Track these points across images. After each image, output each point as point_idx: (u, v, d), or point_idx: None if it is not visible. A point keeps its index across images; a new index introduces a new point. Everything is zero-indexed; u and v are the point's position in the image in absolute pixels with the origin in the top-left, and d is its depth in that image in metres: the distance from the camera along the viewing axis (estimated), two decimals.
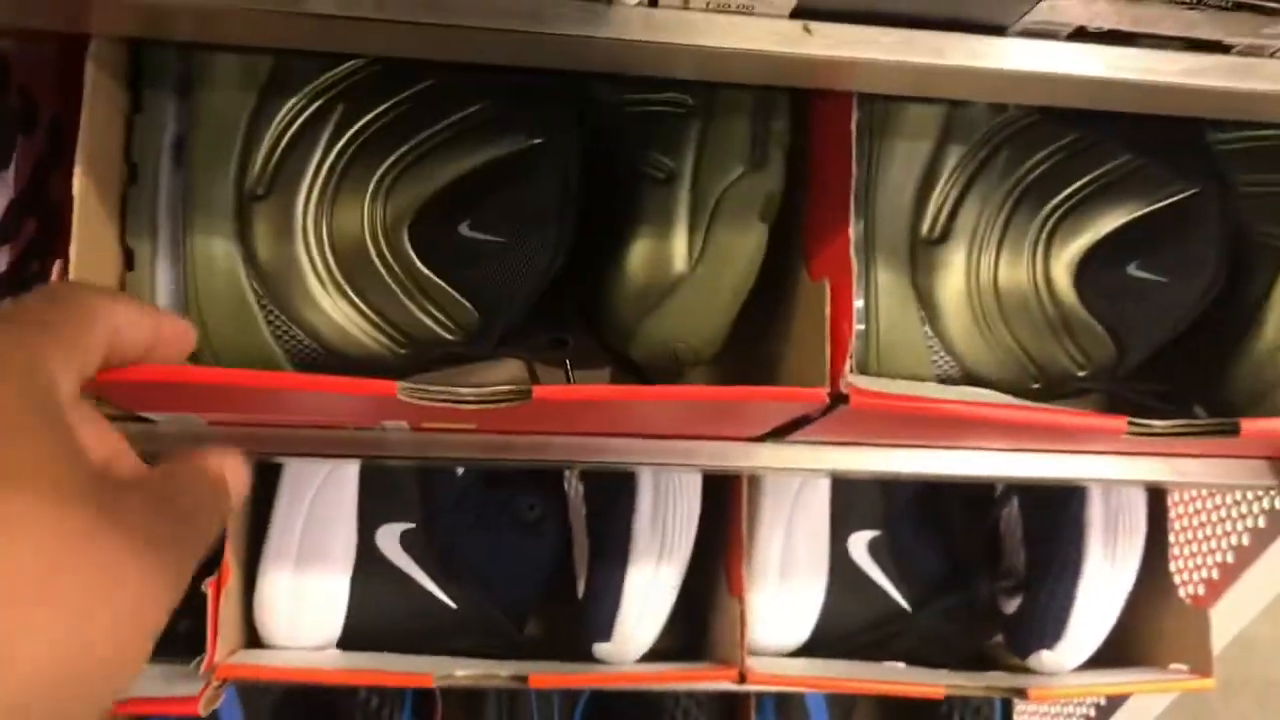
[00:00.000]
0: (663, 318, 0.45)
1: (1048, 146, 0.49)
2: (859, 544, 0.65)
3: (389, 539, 0.59)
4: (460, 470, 0.61)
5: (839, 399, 0.42)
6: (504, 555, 0.61)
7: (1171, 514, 0.66)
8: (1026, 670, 0.65)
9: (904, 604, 0.66)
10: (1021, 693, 0.61)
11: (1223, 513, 0.67)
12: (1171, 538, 0.66)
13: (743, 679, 0.58)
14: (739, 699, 0.75)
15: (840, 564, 0.65)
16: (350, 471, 0.59)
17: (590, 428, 0.48)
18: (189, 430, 0.48)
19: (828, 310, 0.43)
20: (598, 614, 0.58)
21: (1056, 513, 0.64)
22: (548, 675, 0.56)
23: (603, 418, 0.46)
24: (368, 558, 0.59)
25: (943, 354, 0.49)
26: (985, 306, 0.49)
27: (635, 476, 0.59)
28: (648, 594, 0.58)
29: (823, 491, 0.64)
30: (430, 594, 0.60)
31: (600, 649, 0.59)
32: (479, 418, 0.45)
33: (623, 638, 0.58)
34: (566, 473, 0.64)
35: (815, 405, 0.43)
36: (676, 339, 0.46)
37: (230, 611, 0.56)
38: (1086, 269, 0.48)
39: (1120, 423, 0.43)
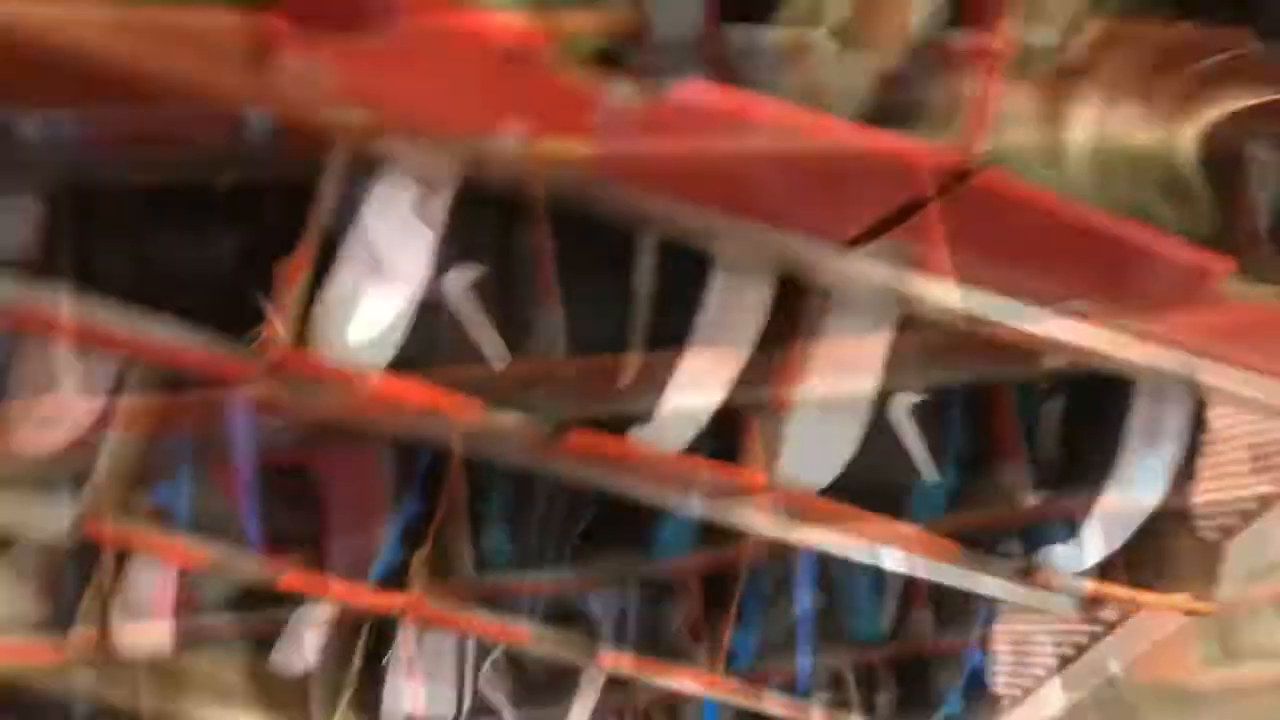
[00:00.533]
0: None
1: (1202, 17, 0.50)
2: (901, 404, 0.66)
3: (459, 280, 0.60)
4: (549, 239, 0.61)
5: (962, 176, 0.43)
6: (565, 323, 0.61)
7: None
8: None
9: (927, 472, 0.66)
10: (1028, 574, 0.62)
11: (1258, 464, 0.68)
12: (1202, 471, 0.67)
13: (769, 488, 0.58)
14: (733, 544, 0.75)
15: (878, 418, 0.65)
16: (438, 203, 0.59)
17: (697, 165, 0.48)
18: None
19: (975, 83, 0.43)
20: (643, 395, 0.59)
21: (1099, 419, 0.65)
22: (586, 436, 0.57)
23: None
24: (435, 293, 0.59)
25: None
26: (1108, 150, 0.49)
27: (708, 274, 0.59)
28: (696, 386, 0.59)
29: (880, 343, 0.64)
30: (483, 345, 0.60)
31: (638, 430, 0.59)
32: (607, 121, 0.45)
33: (663, 423, 0.59)
34: (640, 257, 0.64)
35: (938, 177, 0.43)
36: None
37: (292, 304, 0.56)
38: (1212, 139, 0.49)
39: (1227, 263, 0.44)
